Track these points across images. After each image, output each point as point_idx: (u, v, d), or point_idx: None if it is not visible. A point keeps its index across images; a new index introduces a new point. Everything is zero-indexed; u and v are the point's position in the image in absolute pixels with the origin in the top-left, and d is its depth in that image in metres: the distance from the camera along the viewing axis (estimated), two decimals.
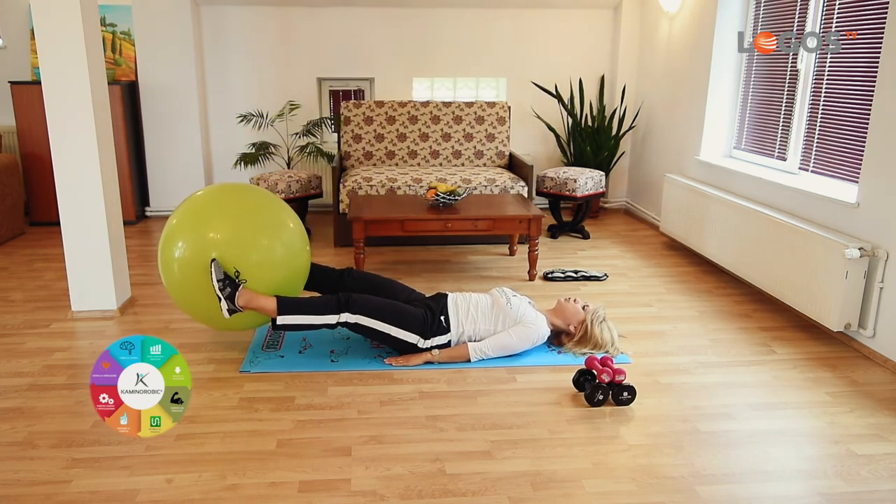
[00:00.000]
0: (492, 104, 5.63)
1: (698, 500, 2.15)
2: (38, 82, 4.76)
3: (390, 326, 3.01)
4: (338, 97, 6.22)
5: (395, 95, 6.13)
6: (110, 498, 2.14)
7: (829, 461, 2.37)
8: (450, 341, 3.11)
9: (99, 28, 3.53)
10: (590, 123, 5.98)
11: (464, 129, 5.58)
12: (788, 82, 4.11)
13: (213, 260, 2.84)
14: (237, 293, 2.87)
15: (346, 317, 2.97)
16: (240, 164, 5.72)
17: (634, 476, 2.27)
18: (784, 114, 4.16)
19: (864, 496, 2.19)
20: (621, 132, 6.00)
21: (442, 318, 3.10)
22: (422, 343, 3.06)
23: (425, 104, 5.59)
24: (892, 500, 2.17)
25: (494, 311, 3.14)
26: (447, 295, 3.21)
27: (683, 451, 2.42)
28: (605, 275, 4.37)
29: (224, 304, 2.86)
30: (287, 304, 2.95)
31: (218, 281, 2.83)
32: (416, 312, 3.06)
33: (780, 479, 2.27)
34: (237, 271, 2.88)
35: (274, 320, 2.96)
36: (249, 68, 5.96)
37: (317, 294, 3.27)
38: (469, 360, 3.07)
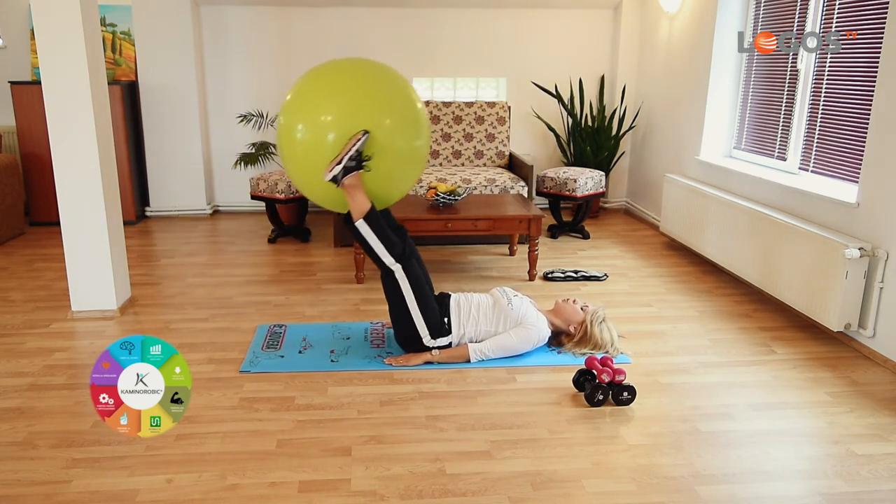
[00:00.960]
0: (492, 104, 5.63)
1: (698, 500, 2.15)
2: (38, 82, 4.76)
3: (417, 309, 3.03)
4: None
5: None
6: (110, 498, 2.14)
7: (829, 461, 2.37)
8: (451, 343, 3.11)
9: (99, 28, 3.53)
10: (590, 123, 5.98)
11: (464, 129, 5.58)
12: (788, 82, 4.11)
13: (367, 133, 2.81)
14: (353, 173, 2.84)
15: (398, 270, 3.00)
16: (240, 164, 5.72)
17: (634, 476, 2.27)
18: (784, 114, 4.16)
19: (864, 496, 2.19)
20: (621, 132, 6.00)
21: (445, 319, 3.10)
22: (427, 340, 3.06)
23: (425, 104, 5.58)
24: (892, 500, 2.17)
25: (496, 311, 3.14)
26: (450, 296, 3.21)
27: (683, 451, 2.42)
28: (605, 275, 4.37)
29: (337, 169, 2.81)
30: (373, 217, 2.95)
31: (357, 151, 2.80)
32: (437, 309, 3.09)
33: (780, 479, 2.27)
34: (370, 157, 2.85)
35: (350, 218, 2.95)
36: (249, 68, 5.96)
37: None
38: (469, 361, 3.07)
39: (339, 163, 2.81)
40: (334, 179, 2.84)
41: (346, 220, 3.00)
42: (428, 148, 3.14)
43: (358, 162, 2.84)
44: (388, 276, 3.03)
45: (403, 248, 3.01)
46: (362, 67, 3.05)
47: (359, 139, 2.80)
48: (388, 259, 2.99)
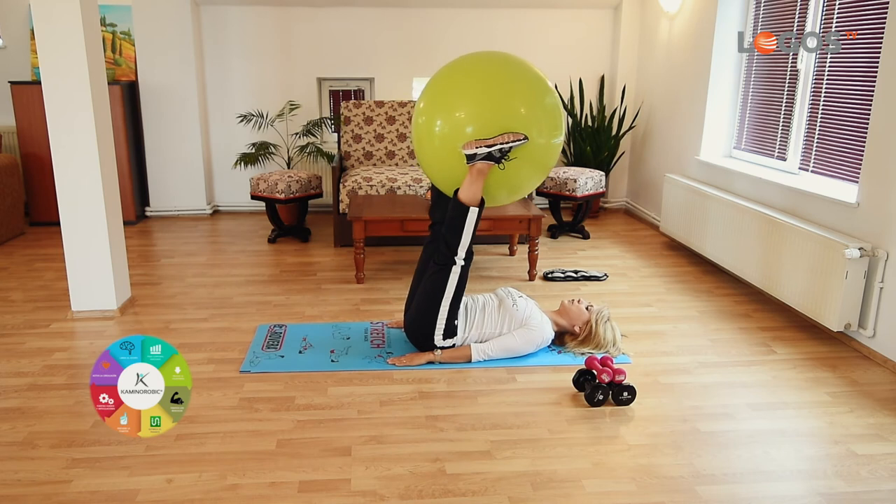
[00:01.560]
0: None
1: (698, 500, 2.15)
2: (38, 82, 4.76)
3: (446, 308, 3.05)
4: (338, 97, 6.22)
5: (395, 95, 6.13)
6: (110, 498, 2.14)
7: (829, 461, 2.37)
8: (454, 344, 3.11)
9: (99, 28, 3.53)
10: (590, 123, 5.98)
11: None
12: (788, 82, 4.11)
13: (526, 139, 2.84)
14: (487, 163, 2.85)
15: (458, 266, 3.02)
16: (240, 164, 5.72)
17: (634, 476, 2.27)
18: (784, 114, 4.16)
19: (864, 496, 2.19)
20: (621, 132, 6.00)
21: (455, 322, 3.11)
22: (438, 339, 3.07)
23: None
24: (892, 500, 2.17)
25: (501, 312, 3.15)
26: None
27: (683, 451, 2.42)
28: (605, 275, 4.37)
29: (482, 151, 2.81)
30: (481, 211, 2.98)
31: (508, 147, 2.82)
32: (456, 316, 3.09)
33: (780, 479, 2.27)
34: (512, 158, 2.87)
35: (460, 199, 2.95)
36: (249, 68, 5.96)
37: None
38: (471, 361, 3.07)
39: (489, 147, 2.82)
40: (472, 156, 2.84)
41: (454, 197, 2.99)
42: (558, 150, 3.15)
43: (500, 157, 2.86)
44: (443, 267, 3.02)
45: (472, 251, 3.04)
46: (527, 74, 3.11)
47: (518, 139, 2.83)
48: (462, 251, 3.00)
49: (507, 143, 2.82)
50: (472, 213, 2.95)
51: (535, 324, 3.12)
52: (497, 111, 2.89)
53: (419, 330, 3.09)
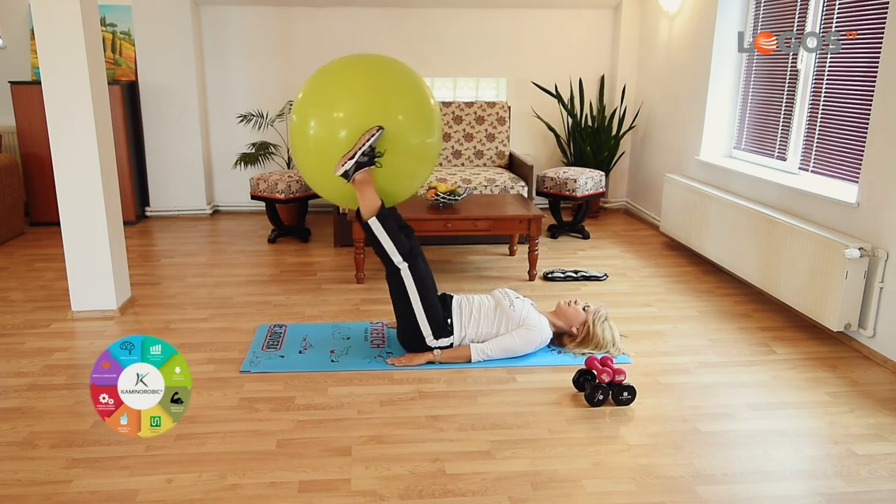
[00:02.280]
0: (492, 104, 5.63)
1: (698, 500, 2.15)
2: (38, 82, 4.76)
3: (421, 309, 3.03)
4: None
5: None
6: (110, 498, 2.14)
7: (829, 461, 2.37)
8: (452, 343, 3.11)
9: (99, 28, 3.53)
10: (590, 123, 5.98)
11: (464, 129, 5.57)
12: (788, 82, 4.11)
13: (381, 129, 2.79)
14: (364, 168, 2.83)
15: (405, 269, 2.99)
16: (240, 163, 5.73)
17: (634, 476, 2.27)
18: (784, 114, 4.16)
19: (864, 496, 2.19)
20: (621, 132, 6.00)
21: (448, 320, 3.11)
22: (430, 340, 3.07)
23: None
24: (892, 500, 2.17)
25: (497, 313, 3.14)
26: (452, 297, 3.21)
27: (683, 451, 2.42)
28: (605, 275, 4.37)
29: (349, 164, 2.80)
30: (385, 215, 2.95)
31: (370, 147, 2.78)
32: (440, 310, 3.09)
33: (780, 479, 2.27)
34: (382, 153, 2.84)
35: (362, 216, 2.94)
36: (249, 68, 5.96)
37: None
38: (470, 361, 3.07)
39: (352, 157, 2.79)
40: (345, 175, 2.82)
41: (358, 215, 3.00)
42: (440, 146, 3.13)
43: (370, 158, 2.83)
44: (394, 276, 3.03)
45: (411, 248, 3.02)
46: (375, 63, 3.03)
47: (373, 134, 2.78)
48: (396, 258, 2.99)
49: (365, 142, 2.78)
50: (375, 223, 2.94)
51: (534, 324, 3.12)
52: (362, 113, 2.84)
53: (407, 336, 3.10)
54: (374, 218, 2.94)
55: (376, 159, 2.85)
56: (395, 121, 2.87)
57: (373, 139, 2.78)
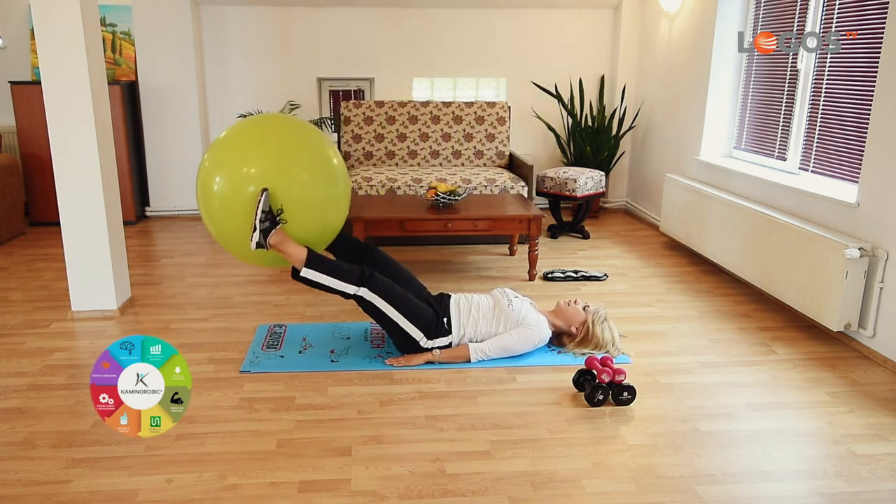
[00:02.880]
0: (492, 104, 5.63)
1: (698, 500, 2.15)
2: (38, 82, 4.76)
3: (401, 316, 3.00)
4: (338, 97, 6.22)
5: (395, 95, 6.13)
6: (110, 498, 2.14)
7: (829, 461, 2.37)
8: (451, 343, 3.11)
9: (99, 28, 3.53)
10: (590, 123, 5.98)
11: (464, 129, 5.58)
12: (788, 82, 4.11)
13: (265, 190, 2.78)
14: (273, 231, 2.83)
15: (365, 292, 2.96)
16: None
17: (634, 476, 2.27)
18: (784, 114, 4.16)
19: (864, 496, 2.19)
20: (621, 132, 6.00)
21: (445, 319, 3.10)
22: (425, 342, 3.06)
23: (425, 104, 5.59)
24: (892, 500, 2.17)
25: (496, 312, 3.14)
26: (450, 296, 3.21)
27: (683, 451, 2.42)
28: (605, 275, 4.37)
29: (256, 236, 2.80)
30: (315, 260, 2.92)
31: (262, 212, 2.77)
32: (426, 310, 3.07)
33: (780, 479, 2.27)
34: (281, 209, 2.83)
35: (296, 270, 2.93)
36: (249, 68, 5.97)
37: (333, 258, 3.23)
38: (469, 361, 3.07)
39: (254, 228, 2.80)
40: (259, 245, 2.82)
41: (294, 274, 2.96)
42: (348, 190, 3.13)
43: (272, 220, 2.82)
44: (359, 301, 3.01)
45: (361, 272, 2.97)
46: (276, 127, 3.03)
47: (259, 199, 2.77)
48: (350, 289, 2.96)
49: (257, 208, 2.77)
50: (309, 272, 2.92)
51: (533, 323, 3.11)
52: (257, 175, 2.83)
53: (401, 343, 3.10)
54: (304, 269, 2.92)
55: (278, 218, 2.85)
56: (301, 180, 2.89)
57: (261, 203, 2.76)
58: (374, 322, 3.13)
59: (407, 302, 3.03)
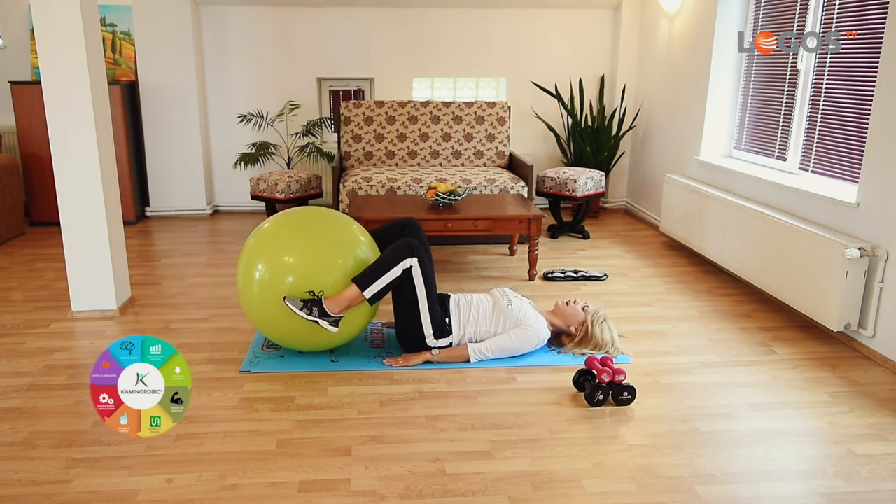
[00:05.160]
0: (492, 104, 5.63)
1: (698, 500, 2.15)
2: (38, 82, 4.76)
3: (426, 306, 3.00)
4: (338, 97, 6.22)
5: (395, 95, 6.13)
6: (110, 498, 2.14)
7: (829, 461, 2.37)
8: (451, 343, 3.11)
9: (99, 28, 3.53)
10: (590, 123, 5.98)
11: (464, 129, 5.58)
12: (788, 82, 4.11)
13: (285, 298, 2.81)
14: (325, 307, 2.84)
15: (413, 262, 2.93)
16: (240, 164, 5.72)
17: (634, 476, 2.27)
18: (784, 114, 4.16)
19: (864, 496, 2.19)
20: (621, 132, 6.00)
21: (447, 319, 3.10)
22: (431, 340, 3.06)
23: (425, 104, 5.59)
24: (892, 500, 2.17)
25: (495, 312, 3.14)
26: (449, 296, 3.21)
27: (683, 451, 2.42)
28: (605, 275, 4.37)
29: (323, 323, 2.82)
30: (365, 279, 2.90)
31: (301, 310, 2.80)
32: (440, 311, 3.07)
33: (780, 479, 2.27)
34: (311, 292, 2.86)
35: (367, 299, 2.91)
36: (249, 68, 5.96)
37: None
38: (468, 361, 3.07)
39: (316, 322, 2.82)
40: (335, 322, 2.85)
41: (370, 302, 2.94)
42: (373, 245, 3.16)
43: (314, 303, 2.83)
44: (405, 277, 2.96)
45: (411, 244, 2.95)
46: (310, 225, 3.08)
47: (288, 306, 2.80)
48: (407, 263, 2.92)
49: (298, 313, 2.80)
50: (369, 292, 2.89)
51: (531, 323, 3.11)
52: (306, 267, 2.91)
53: (408, 336, 3.09)
54: (365, 292, 2.88)
55: (317, 296, 2.85)
56: (336, 265, 2.94)
57: (292, 306, 2.80)
58: (377, 321, 3.12)
59: (434, 296, 3.04)
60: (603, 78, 6.20)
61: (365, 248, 3.07)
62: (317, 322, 2.82)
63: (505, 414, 2.66)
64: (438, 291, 3.28)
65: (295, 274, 2.87)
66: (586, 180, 5.26)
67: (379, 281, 2.90)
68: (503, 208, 4.37)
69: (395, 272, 2.92)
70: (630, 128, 6.03)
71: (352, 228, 3.12)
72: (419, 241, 3.13)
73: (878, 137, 3.18)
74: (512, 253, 4.88)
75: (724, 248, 4.23)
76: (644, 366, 3.10)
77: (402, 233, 3.26)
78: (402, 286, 2.98)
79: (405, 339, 3.11)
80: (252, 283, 2.93)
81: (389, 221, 3.36)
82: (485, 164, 5.59)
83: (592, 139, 5.88)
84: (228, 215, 6.11)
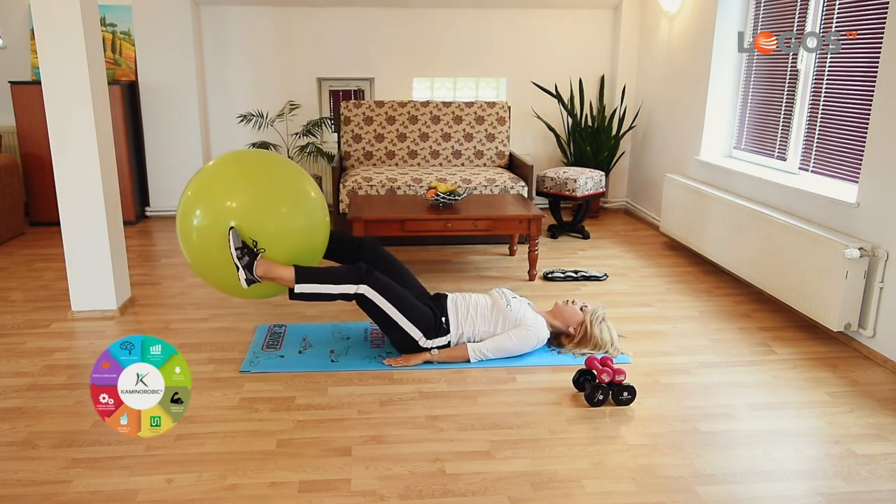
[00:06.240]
0: (492, 104, 5.63)
1: (698, 500, 2.15)
2: (38, 82, 4.76)
3: (401, 315, 2.99)
4: (338, 97, 6.22)
5: (395, 95, 6.13)
6: (110, 498, 2.14)
7: (829, 461, 2.37)
8: (449, 342, 3.11)
9: (99, 28, 3.53)
10: (590, 123, 5.98)
11: (464, 129, 5.58)
12: (788, 82, 4.11)
13: (232, 228, 2.80)
14: (255, 263, 2.84)
15: (365, 289, 2.94)
16: None
17: (634, 476, 2.27)
18: (784, 114, 4.16)
19: (864, 496, 2.19)
20: (621, 132, 6.00)
21: (443, 318, 3.10)
22: (423, 342, 3.06)
23: (425, 104, 5.59)
24: (892, 500, 2.17)
25: (494, 312, 3.14)
26: (447, 296, 3.21)
27: (683, 451, 2.42)
28: (605, 275, 4.37)
29: (242, 274, 2.83)
30: (305, 273, 2.91)
31: (236, 249, 2.80)
32: (425, 309, 3.06)
33: (780, 479, 2.27)
34: (255, 241, 2.85)
35: (291, 290, 2.93)
36: (249, 68, 5.96)
37: (334, 264, 3.23)
38: (468, 361, 3.07)
39: (237, 268, 2.83)
40: (250, 281, 2.85)
41: (290, 295, 2.95)
42: (327, 218, 3.14)
43: (250, 253, 2.84)
44: (360, 300, 2.98)
45: (360, 269, 2.96)
46: (207, 168, 3.05)
47: (229, 239, 2.80)
48: (349, 289, 2.93)
49: (230, 247, 2.80)
50: (302, 287, 2.91)
51: (530, 323, 3.11)
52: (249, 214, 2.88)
53: (400, 343, 3.09)
54: (296, 285, 2.90)
55: (256, 249, 2.86)
56: (280, 213, 2.93)
57: (232, 241, 2.80)
58: (373, 322, 3.13)
59: (407, 301, 3.03)
60: (603, 78, 6.20)
61: (314, 205, 3.03)
62: (238, 268, 2.83)
63: (505, 414, 2.66)
64: (437, 291, 3.29)
65: (237, 217, 2.83)
66: (586, 180, 5.26)
67: (315, 286, 2.91)
68: (503, 208, 4.37)
69: (332, 290, 2.93)
70: (630, 128, 6.03)
71: (303, 183, 3.07)
72: (375, 256, 3.15)
73: (878, 137, 3.18)
74: (512, 253, 4.88)
75: (724, 248, 4.23)
76: (644, 366, 3.10)
77: (359, 247, 3.25)
78: (368, 307, 3.00)
79: (398, 345, 3.11)
80: (193, 206, 2.90)
81: (345, 236, 3.37)
82: (485, 164, 5.59)
83: (592, 139, 5.88)
84: None
